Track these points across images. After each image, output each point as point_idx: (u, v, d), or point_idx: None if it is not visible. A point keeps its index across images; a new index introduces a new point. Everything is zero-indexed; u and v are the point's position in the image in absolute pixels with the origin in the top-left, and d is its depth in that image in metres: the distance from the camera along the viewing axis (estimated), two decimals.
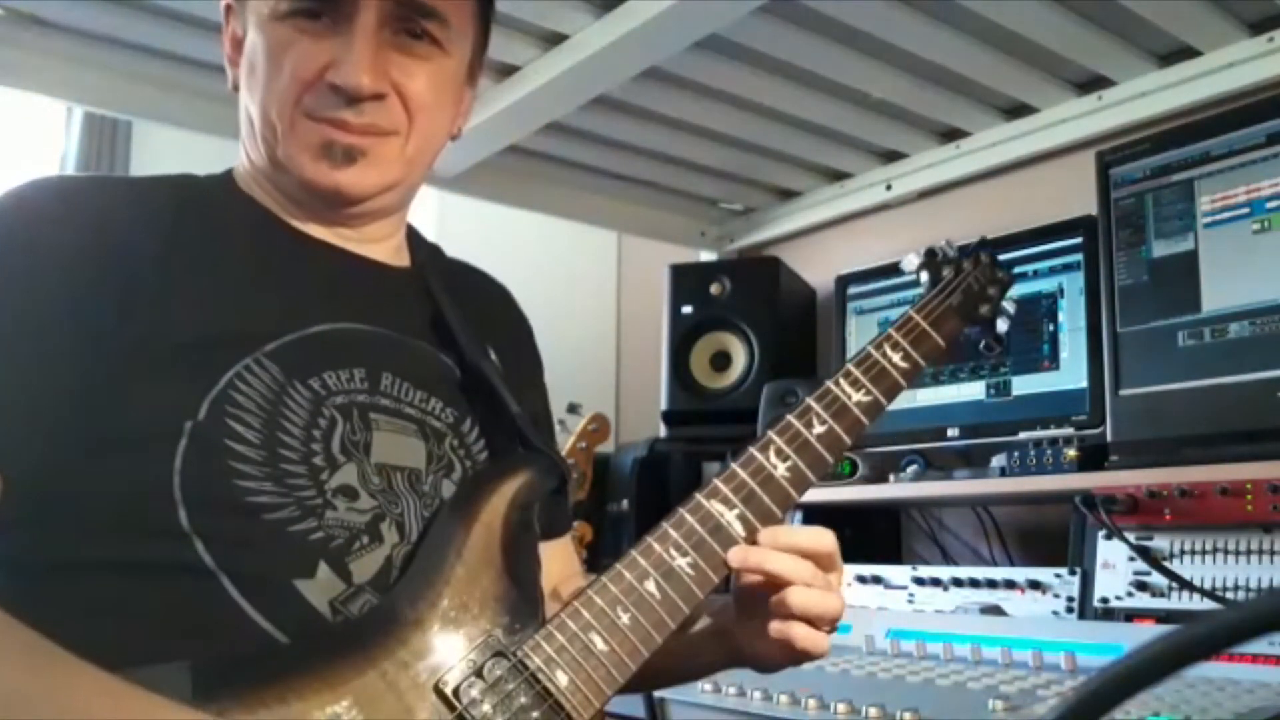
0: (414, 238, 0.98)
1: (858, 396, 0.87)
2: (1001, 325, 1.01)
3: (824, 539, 0.82)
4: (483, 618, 0.73)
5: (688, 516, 0.80)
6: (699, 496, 0.81)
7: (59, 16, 1.60)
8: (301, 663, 0.68)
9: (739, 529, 0.80)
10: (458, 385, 0.88)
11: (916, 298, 0.97)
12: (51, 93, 1.77)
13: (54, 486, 0.72)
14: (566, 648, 0.73)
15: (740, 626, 0.85)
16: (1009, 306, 1.01)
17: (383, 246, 0.92)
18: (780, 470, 0.82)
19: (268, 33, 0.82)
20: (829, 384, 0.87)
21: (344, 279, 0.87)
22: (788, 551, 0.80)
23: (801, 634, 0.80)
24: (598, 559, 2.18)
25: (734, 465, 0.83)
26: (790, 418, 0.85)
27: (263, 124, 0.84)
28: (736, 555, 0.80)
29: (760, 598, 0.81)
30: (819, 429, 0.85)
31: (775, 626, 0.80)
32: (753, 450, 0.83)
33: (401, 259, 0.95)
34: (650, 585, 0.76)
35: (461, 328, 0.90)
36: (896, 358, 0.90)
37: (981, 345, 1.03)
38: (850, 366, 0.88)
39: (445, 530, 0.77)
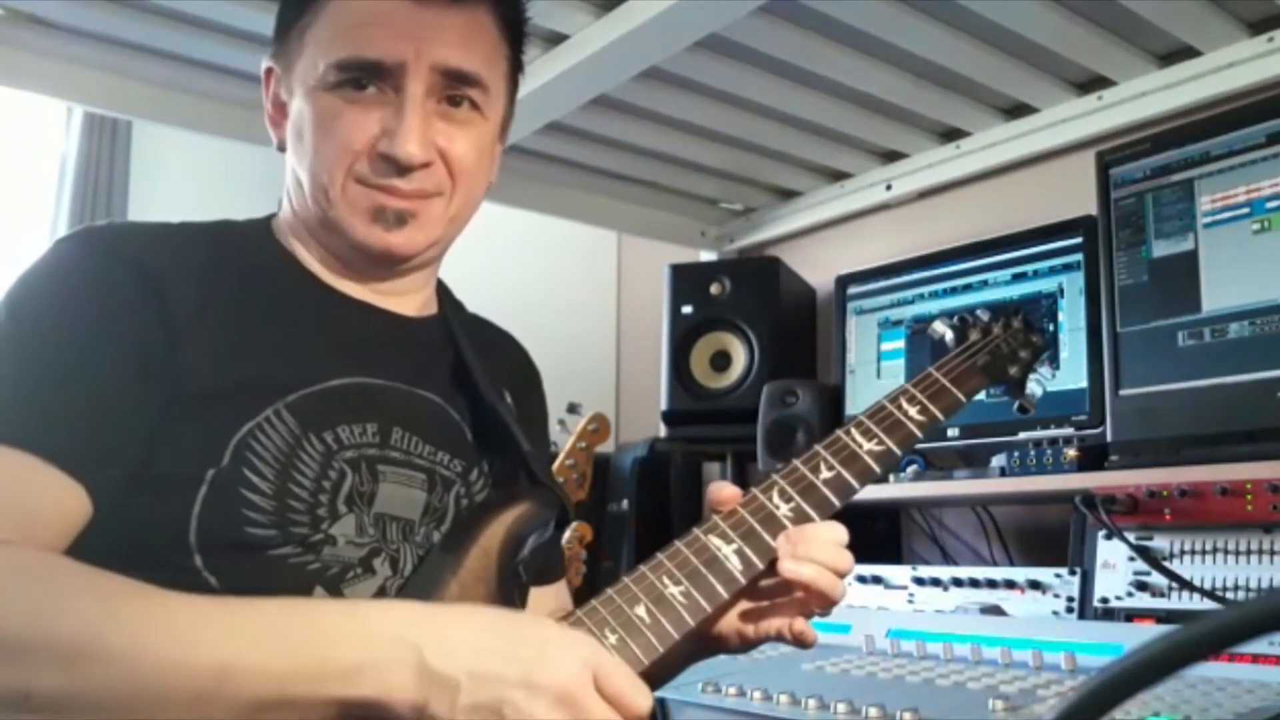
0: (441, 289, 1.02)
1: (869, 445, 0.89)
2: (1033, 388, 1.03)
3: (844, 560, 0.83)
4: None
5: (684, 549, 0.81)
6: (697, 531, 0.82)
7: (59, 16, 1.59)
8: None
9: (736, 563, 0.81)
10: (468, 436, 0.91)
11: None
12: (51, 93, 1.77)
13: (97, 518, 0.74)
14: None
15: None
16: (1045, 371, 1.03)
17: (412, 299, 0.95)
18: (783, 510, 0.84)
19: (315, 102, 0.85)
20: (839, 433, 0.89)
21: (367, 334, 0.90)
22: (813, 563, 0.82)
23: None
24: (597, 558, 2.18)
25: (736, 505, 0.84)
26: (796, 462, 0.87)
27: (314, 188, 0.87)
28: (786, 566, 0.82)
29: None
30: (826, 474, 0.87)
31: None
32: (755, 491, 0.85)
33: (429, 309, 0.98)
34: (640, 610, 0.77)
35: (479, 371, 0.94)
36: (913, 411, 0.92)
37: (1015, 407, 1.05)
38: (862, 418, 0.91)
39: (442, 553, 0.81)
